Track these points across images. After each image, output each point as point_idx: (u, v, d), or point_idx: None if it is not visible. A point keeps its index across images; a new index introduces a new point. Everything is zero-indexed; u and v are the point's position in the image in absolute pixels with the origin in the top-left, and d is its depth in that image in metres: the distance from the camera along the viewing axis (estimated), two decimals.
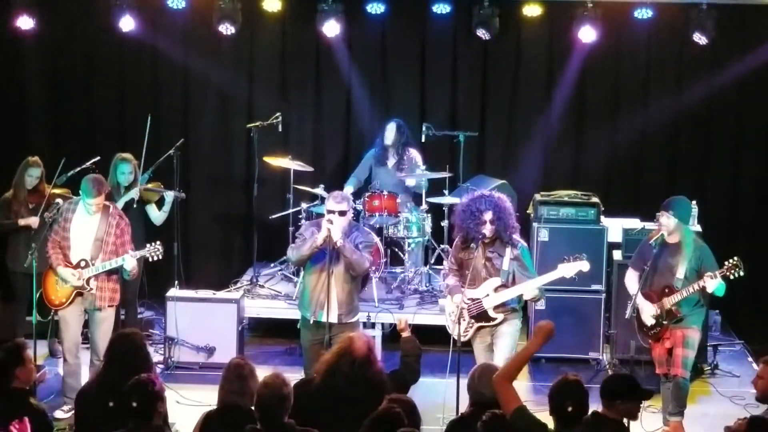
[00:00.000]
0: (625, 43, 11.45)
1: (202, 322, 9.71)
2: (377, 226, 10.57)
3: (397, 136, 10.99)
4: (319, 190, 10.77)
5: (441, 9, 11.25)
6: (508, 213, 7.97)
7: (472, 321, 8.04)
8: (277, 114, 11.02)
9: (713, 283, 7.99)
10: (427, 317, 10.10)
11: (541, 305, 9.76)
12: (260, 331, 10.74)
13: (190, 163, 11.49)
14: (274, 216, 11.12)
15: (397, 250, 10.97)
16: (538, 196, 10.35)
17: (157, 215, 9.89)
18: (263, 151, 11.00)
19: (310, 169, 11.03)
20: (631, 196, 11.53)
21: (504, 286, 7.96)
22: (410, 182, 10.88)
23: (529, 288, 7.95)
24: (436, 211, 10.95)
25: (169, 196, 9.89)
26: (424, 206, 10.79)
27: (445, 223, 10.77)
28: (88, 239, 8.36)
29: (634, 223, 10.02)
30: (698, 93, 11.43)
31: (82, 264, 8.34)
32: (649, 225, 9.40)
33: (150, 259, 8.58)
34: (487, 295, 7.97)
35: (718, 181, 11.54)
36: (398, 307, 10.28)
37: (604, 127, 11.65)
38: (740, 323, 11.04)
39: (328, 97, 11.87)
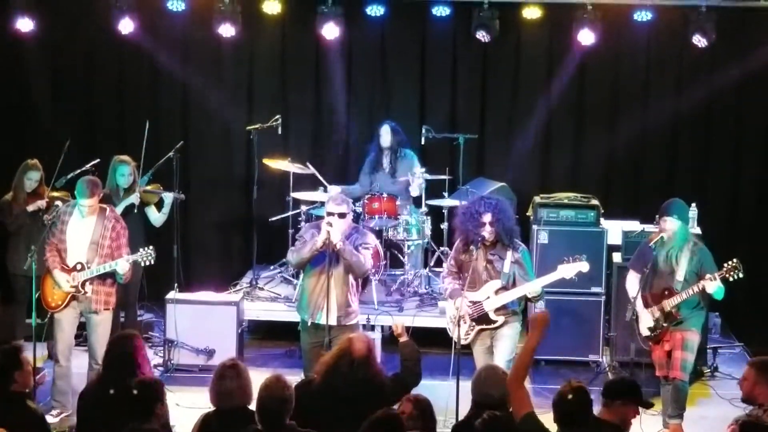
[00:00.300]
0: (625, 45, 11.45)
1: (201, 325, 9.70)
2: (377, 228, 10.56)
3: (393, 138, 10.99)
4: (318, 194, 10.76)
5: (440, 11, 11.25)
6: (507, 215, 7.98)
7: (473, 323, 8.04)
8: (277, 116, 11.03)
9: (713, 285, 8.00)
10: (426, 319, 10.10)
11: (540, 307, 9.74)
12: (260, 334, 10.74)
13: (190, 165, 11.48)
14: (273, 218, 11.12)
15: (396, 252, 10.98)
16: (537, 199, 10.35)
17: (156, 217, 9.89)
18: (263, 153, 11.01)
19: (308, 171, 11.02)
20: (631, 199, 11.53)
21: (504, 288, 7.96)
22: (414, 192, 10.84)
23: (529, 290, 7.95)
24: (435, 213, 10.95)
25: (169, 197, 9.88)
26: (424, 209, 10.79)
27: (444, 226, 10.77)
28: (84, 242, 8.35)
29: (634, 226, 10.02)
30: (698, 95, 11.44)
31: (78, 267, 8.32)
32: (648, 227, 9.40)
33: (143, 264, 8.56)
34: (488, 297, 7.98)
35: (717, 182, 11.54)
36: (398, 310, 10.28)
37: (604, 129, 11.65)
38: (740, 326, 11.03)
39: (327, 100, 11.87)
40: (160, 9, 11.29)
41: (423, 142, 11.16)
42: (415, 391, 6.67)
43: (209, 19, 11.23)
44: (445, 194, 10.74)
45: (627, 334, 8.89)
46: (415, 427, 5.68)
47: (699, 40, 10.80)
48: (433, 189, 10.91)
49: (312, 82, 11.84)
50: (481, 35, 11.08)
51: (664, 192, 10.43)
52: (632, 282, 8.48)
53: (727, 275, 8.00)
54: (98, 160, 10.11)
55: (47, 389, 8.68)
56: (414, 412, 5.77)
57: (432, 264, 11.02)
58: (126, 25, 11.12)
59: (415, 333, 10.02)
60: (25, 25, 11.10)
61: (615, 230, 10.10)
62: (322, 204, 10.35)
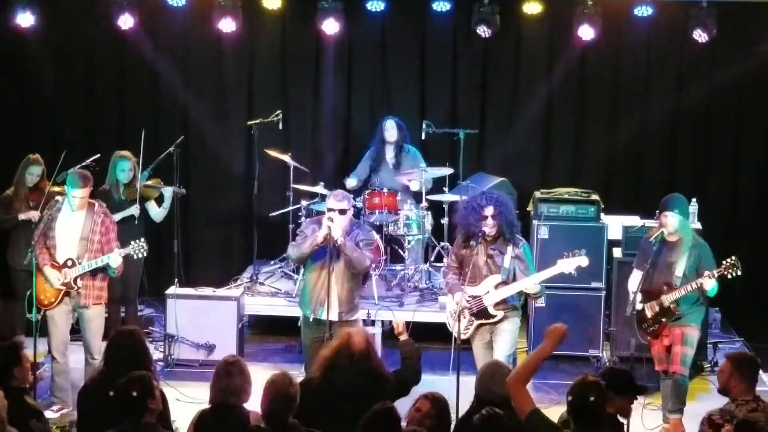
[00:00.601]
0: (625, 40, 11.44)
1: (202, 320, 9.71)
2: (377, 223, 10.57)
3: (398, 133, 11.00)
4: (319, 188, 10.77)
5: (441, 6, 11.25)
6: (508, 208, 8.00)
7: (473, 318, 8.05)
8: (278, 111, 11.03)
9: (710, 283, 8.00)
10: (427, 314, 10.11)
11: (541, 303, 9.75)
12: (260, 329, 10.74)
13: (191, 160, 11.48)
14: (274, 213, 11.12)
15: (397, 247, 10.98)
16: (538, 194, 10.35)
17: (156, 212, 9.89)
18: (264, 148, 11.00)
19: (307, 170, 11.03)
20: (631, 194, 11.52)
21: (504, 283, 7.97)
22: (414, 186, 10.85)
23: (528, 284, 7.95)
24: (436, 208, 10.95)
25: (169, 192, 9.88)
26: (424, 203, 10.79)
27: (445, 221, 10.77)
28: (74, 238, 8.34)
29: (634, 221, 10.02)
30: (698, 90, 11.44)
31: (69, 263, 8.31)
32: (649, 222, 9.40)
33: (135, 257, 8.54)
34: (488, 292, 7.98)
35: (718, 178, 11.53)
36: (398, 305, 10.28)
37: (604, 124, 11.65)
38: (740, 321, 11.03)
39: (328, 95, 11.87)
40: (161, 4, 11.29)
41: (423, 138, 11.16)
42: (416, 387, 6.67)
43: (209, 14, 11.23)
44: (446, 189, 10.74)
45: (627, 329, 8.89)
46: (431, 425, 5.64)
47: (699, 36, 10.80)
48: (433, 184, 10.91)
49: (312, 78, 11.84)
50: (482, 30, 11.08)
51: (665, 187, 10.42)
52: (635, 280, 8.46)
53: (725, 273, 8.00)
54: (99, 155, 10.11)
55: (48, 384, 8.68)
56: (432, 411, 5.71)
57: (432, 259, 11.02)
58: (126, 21, 11.12)
59: (416, 328, 10.04)
60: (25, 20, 11.10)
61: (615, 225, 10.10)
62: (323, 199, 10.37)
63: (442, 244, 10.82)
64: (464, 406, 6.32)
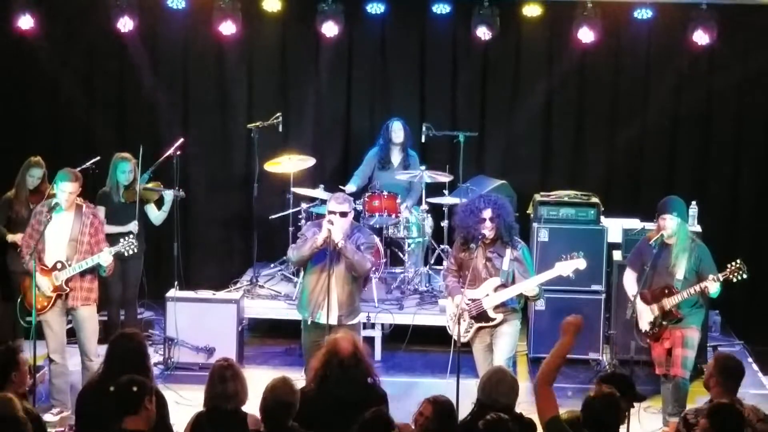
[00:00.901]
0: (625, 43, 11.44)
1: (201, 323, 9.70)
2: (377, 226, 10.57)
3: (404, 135, 11.02)
4: (319, 191, 10.76)
5: (441, 9, 11.26)
6: (507, 211, 8.00)
7: (472, 321, 8.04)
8: (278, 114, 11.03)
9: (715, 287, 8.01)
10: (427, 317, 10.12)
11: (540, 305, 9.77)
12: (260, 332, 10.74)
13: (190, 162, 11.46)
14: (274, 216, 11.12)
15: (396, 250, 10.98)
16: (537, 197, 10.35)
17: (156, 215, 9.88)
18: (263, 151, 11.00)
19: (312, 161, 11.00)
20: (631, 197, 11.52)
21: (503, 286, 7.96)
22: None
23: (527, 287, 7.95)
24: (436, 211, 10.95)
25: (169, 195, 9.87)
26: (424, 206, 10.79)
27: (445, 224, 10.76)
28: (63, 239, 8.31)
29: (634, 224, 10.02)
30: (698, 92, 11.45)
31: (59, 266, 8.28)
32: (649, 225, 9.39)
33: (126, 254, 8.49)
34: (487, 295, 7.97)
35: (717, 180, 11.53)
36: (398, 308, 10.28)
37: (604, 127, 11.65)
38: (740, 323, 11.03)
39: (328, 98, 11.87)
40: (160, 7, 11.29)
41: (423, 140, 11.16)
42: (414, 389, 6.67)
43: (209, 17, 11.23)
44: (446, 192, 10.74)
45: (627, 332, 8.89)
46: (435, 429, 5.62)
47: (699, 38, 10.80)
48: (433, 187, 10.91)
49: (312, 80, 11.83)
50: (482, 33, 11.08)
51: (665, 190, 10.42)
52: (630, 280, 8.48)
53: (731, 276, 8.00)
54: (99, 157, 10.11)
55: (47, 387, 8.67)
56: (434, 414, 5.67)
57: (432, 262, 11.02)
58: (126, 24, 11.13)
59: (415, 331, 10.09)
60: (25, 23, 11.10)
61: (615, 228, 10.10)
62: (323, 202, 10.37)
63: (442, 246, 10.81)
64: (464, 409, 6.31)
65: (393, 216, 10.58)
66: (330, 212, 7.96)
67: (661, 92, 11.49)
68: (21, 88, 11.76)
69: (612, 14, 11.09)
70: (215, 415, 5.88)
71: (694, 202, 9.89)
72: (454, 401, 7.39)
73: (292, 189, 10.93)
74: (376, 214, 10.56)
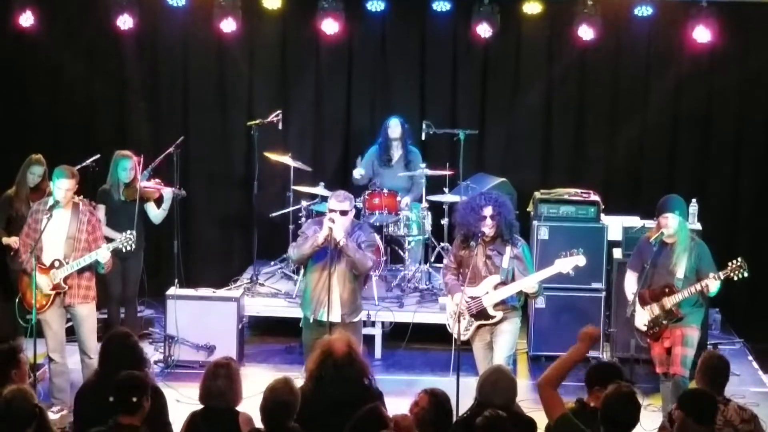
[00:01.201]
0: (625, 40, 11.44)
1: (202, 321, 9.70)
2: (377, 224, 10.56)
3: (401, 130, 11.01)
4: (319, 189, 10.76)
5: (441, 6, 11.26)
6: (507, 208, 7.98)
7: (472, 319, 8.04)
8: (278, 112, 11.02)
9: (715, 285, 8.00)
10: (427, 315, 10.11)
11: (541, 303, 9.77)
12: (260, 330, 10.73)
13: (190, 160, 11.47)
14: (274, 214, 11.12)
15: (397, 248, 10.98)
16: (538, 194, 10.35)
17: (156, 214, 9.86)
18: (263, 148, 11.00)
19: (309, 169, 11.05)
20: (631, 194, 11.51)
21: (503, 283, 7.95)
22: (404, 202, 10.84)
23: (527, 284, 7.94)
24: (436, 209, 10.94)
25: (168, 193, 9.86)
26: (425, 204, 10.79)
27: (445, 221, 10.76)
28: (60, 238, 8.30)
29: (634, 221, 10.02)
30: (698, 90, 11.44)
31: (56, 264, 8.27)
32: (649, 223, 9.39)
33: (123, 249, 8.47)
34: (487, 292, 7.97)
35: (718, 178, 11.52)
36: (398, 306, 10.28)
37: (604, 124, 11.65)
38: (740, 322, 11.03)
39: (328, 95, 11.87)
40: (161, 4, 11.28)
41: (423, 138, 11.16)
42: (415, 388, 6.64)
43: (209, 14, 11.23)
44: (446, 190, 10.74)
45: (627, 330, 8.89)
46: (430, 420, 5.63)
47: (700, 35, 10.79)
48: (433, 184, 10.91)
49: (312, 78, 11.83)
50: (482, 30, 11.08)
51: (665, 188, 10.42)
52: (630, 282, 8.46)
53: (732, 274, 8.00)
54: (99, 155, 10.11)
55: (48, 385, 8.67)
56: (429, 405, 5.67)
57: (432, 260, 11.01)
58: (126, 21, 11.12)
59: (416, 329, 10.08)
60: (26, 20, 11.10)
61: (615, 226, 10.09)
62: (323, 199, 10.36)
63: (442, 244, 10.81)
64: (464, 408, 6.30)
65: (393, 214, 10.58)
66: (331, 210, 7.96)
67: (661, 90, 11.49)
68: (21, 85, 11.76)
69: (612, 12, 11.09)
70: (209, 414, 5.91)
71: (694, 200, 9.88)
72: (454, 399, 7.45)
73: (293, 187, 10.93)
74: (377, 212, 10.55)
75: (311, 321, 8.08)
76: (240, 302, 9.93)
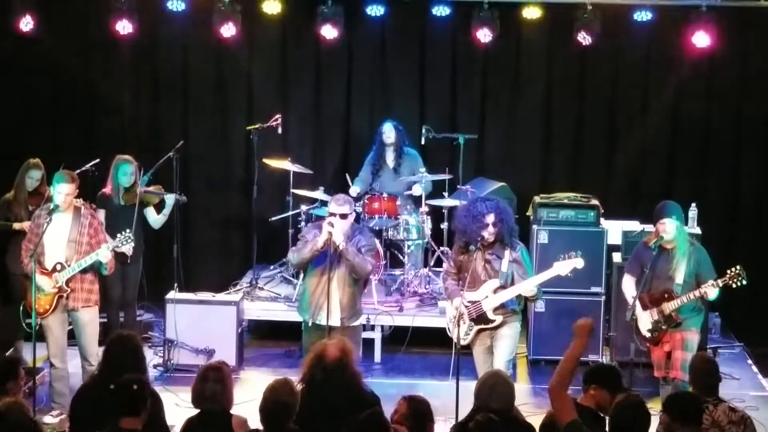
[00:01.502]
0: (625, 45, 11.45)
1: (201, 325, 9.70)
2: (377, 228, 10.57)
3: (396, 135, 11.01)
4: (319, 193, 10.77)
5: (440, 11, 11.26)
6: (509, 215, 7.99)
7: (472, 324, 8.03)
8: (277, 116, 11.03)
9: (714, 292, 8.01)
10: (426, 319, 10.11)
11: (540, 307, 9.77)
12: (260, 334, 10.74)
13: (190, 165, 11.47)
14: (273, 218, 11.12)
15: (396, 252, 10.98)
16: (537, 198, 10.35)
17: (155, 218, 9.85)
18: (263, 153, 11.01)
19: (309, 172, 11.06)
20: (631, 199, 11.52)
21: (503, 287, 7.95)
22: (416, 191, 10.85)
23: (526, 287, 7.94)
24: (435, 213, 10.95)
25: (170, 199, 9.86)
26: (424, 208, 10.79)
27: (444, 226, 10.77)
28: (62, 241, 8.29)
29: (634, 226, 10.02)
30: (698, 94, 11.45)
31: (58, 267, 8.26)
32: (648, 227, 9.38)
33: (120, 245, 8.42)
34: (486, 297, 7.96)
35: (717, 183, 11.53)
36: (398, 310, 10.28)
37: (604, 128, 11.66)
38: (740, 326, 11.03)
39: (327, 100, 11.88)
40: (161, 9, 11.29)
41: (423, 142, 11.17)
42: (415, 390, 6.65)
43: (209, 18, 11.23)
44: (445, 194, 10.74)
45: (627, 334, 8.88)
46: (409, 426, 5.61)
47: (699, 40, 10.80)
48: (433, 189, 10.92)
49: (312, 82, 11.85)
50: (482, 35, 11.08)
51: (664, 192, 10.45)
52: (628, 285, 8.47)
53: (731, 282, 8.00)
54: (98, 159, 10.11)
55: (47, 389, 8.66)
56: (408, 412, 5.67)
57: (432, 264, 11.02)
58: (125, 26, 11.12)
59: (415, 333, 10.08)
60: (26, 24, 11.10)
61: (615, 230, 10.10)
62: (323, 203, 10.37)
63: (441, 248, 10.81)
64: (463, 412, 6.30)
65: (392, 218, 10.58)
66: (330, 214, 7.96)
67: (661, 94, 11.50)
68: (21, 89, 11.75)
69: (612, 16, 11.08)
70: (204, 417, 5.92)
71: (693, 205, 9.88)
72: (453, 404, 7.45)
73: (292, 191, 10.94)
74: (376, 216, 10.56)
75: (310, 325, 8.08)
76: (239, 306, 9.93)
